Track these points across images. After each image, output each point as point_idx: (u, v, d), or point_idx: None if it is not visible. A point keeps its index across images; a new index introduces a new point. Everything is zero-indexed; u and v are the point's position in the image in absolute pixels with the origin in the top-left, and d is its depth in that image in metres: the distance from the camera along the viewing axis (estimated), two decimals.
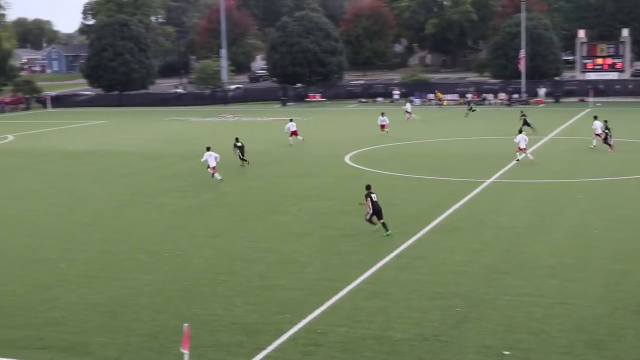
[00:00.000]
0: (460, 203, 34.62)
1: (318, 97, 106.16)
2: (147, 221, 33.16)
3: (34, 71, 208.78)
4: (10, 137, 71.70)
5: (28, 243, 29.89)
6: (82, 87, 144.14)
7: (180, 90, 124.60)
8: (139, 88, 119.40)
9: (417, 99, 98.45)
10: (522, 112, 63.47)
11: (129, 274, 25.07)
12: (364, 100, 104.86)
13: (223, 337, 19.18)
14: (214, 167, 42.10)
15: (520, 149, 45.64)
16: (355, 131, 66.17)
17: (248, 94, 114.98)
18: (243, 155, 47.37)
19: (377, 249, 27.01)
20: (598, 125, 50.86)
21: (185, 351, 15.91)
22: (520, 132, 47.14)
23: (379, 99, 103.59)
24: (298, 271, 24.72)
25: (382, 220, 29.11)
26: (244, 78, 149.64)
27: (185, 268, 25.59)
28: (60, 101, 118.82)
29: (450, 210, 33.09)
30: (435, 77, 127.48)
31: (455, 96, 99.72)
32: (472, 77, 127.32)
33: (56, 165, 51.88)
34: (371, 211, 29.06)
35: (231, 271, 24.99)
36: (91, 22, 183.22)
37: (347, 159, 49.24)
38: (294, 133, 58.05)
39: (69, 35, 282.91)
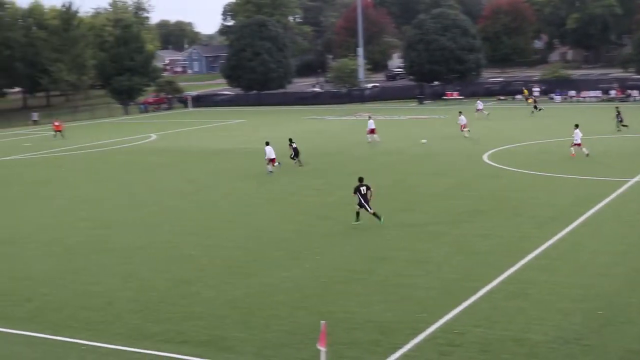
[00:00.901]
0: (603, 203, 33.55)
1: (455, 95, 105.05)
2: (285, 218, 33.52)
3: (176, 72, 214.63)
4: (154, 136, 73.93)
5: (170, 239, 30.69)
6: (221, 87, 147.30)
7: (317, 89, 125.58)
8: (277, 87, 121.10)
9: (558, 96, 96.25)
10: (617, 107, 61.66)
11: (267, 271, 25.40)
12: (502, 97, 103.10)
13: (359, 335, 19.16)
14: (273, 159, 45.72)
15: (576, 144, 46.63)
16: (493, 129, 65.18)
17: (385, 93, 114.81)
18: (297, 156, 48.76)
19: (516, 249, 26.46)
20: None
21: (322, 348, 15.96)
22: (576, 126, 47.17)
23: (518, 96, 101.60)
24: (434, 270, 24.49)
25: (372, 211, 30.79)
26: (380, 76, 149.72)
27: (322, 265, 25.73)
28: (200, 101, 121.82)
29: (593, 210, 32.09)
30: (576, 73, 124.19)
31: (598, 93, 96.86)
32: (616, 73, 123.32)
33: (197, 163, 53.11)
34: (366, 204, 30.83)
35: (367, 269, 24.98)
36: (231, 23, 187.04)
37: (485, 157, 48.53)
38: (372, 131, 58.84)
39: (210, 36, 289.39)
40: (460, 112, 62.41)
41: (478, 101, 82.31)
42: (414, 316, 20.25)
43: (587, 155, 46.04)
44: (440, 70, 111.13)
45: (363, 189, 30.88)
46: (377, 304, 21.38)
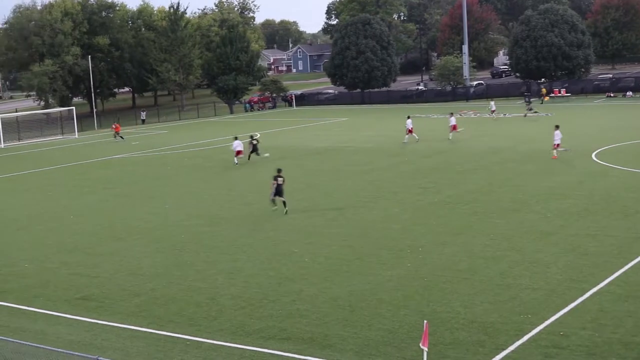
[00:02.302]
0: None
1: (563, 92, 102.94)
2: (389, 217, 33.40)
3: (280, 71, 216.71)
4: (258, 135, 74.59)
5: (273, 237, 30.94)
6: (324, 85, 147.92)
7: (421, 87, 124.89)
8: (381, 85, 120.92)
9: None
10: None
11: (370, 269, 25.35)
12: (612, 94, 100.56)
13: (462, 335, 18.94)
14: (239, 152, 52.98)
15: (555, 145, 47.24)
16: (602, 127, 63.58)
17: (490, 90, 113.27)
18: (257, 152, 54.02)
19: (626, 250, 25.75)
20: None
21: (425, 348, 15.81)
22: (557, 127, 47.58)
23: (629, 93, 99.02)
24: (541, 271, 24.01)
25: (282, 199, 34.97)
26: (485, 74, 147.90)
27: (426, 264, 25.54)
28: (304, 99, 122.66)
29: None
30: None
31: None
32: None
33: (300, 161, 53.37)
34: (274, 192, 34.88)
35: (472, 269, 24.68)
36: (335, 21, 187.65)
37: (594, 156, 47.39)
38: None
39: (314, 35, 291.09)
40: (451, 113, 63.07)
41: (491, 102, 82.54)
42: (519, 317, 19.91)
43: (555, 157, 46.58)
44: (547, 67, 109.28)
45: (280, 180, 34.83)
46: (481, 304, 21.09)
